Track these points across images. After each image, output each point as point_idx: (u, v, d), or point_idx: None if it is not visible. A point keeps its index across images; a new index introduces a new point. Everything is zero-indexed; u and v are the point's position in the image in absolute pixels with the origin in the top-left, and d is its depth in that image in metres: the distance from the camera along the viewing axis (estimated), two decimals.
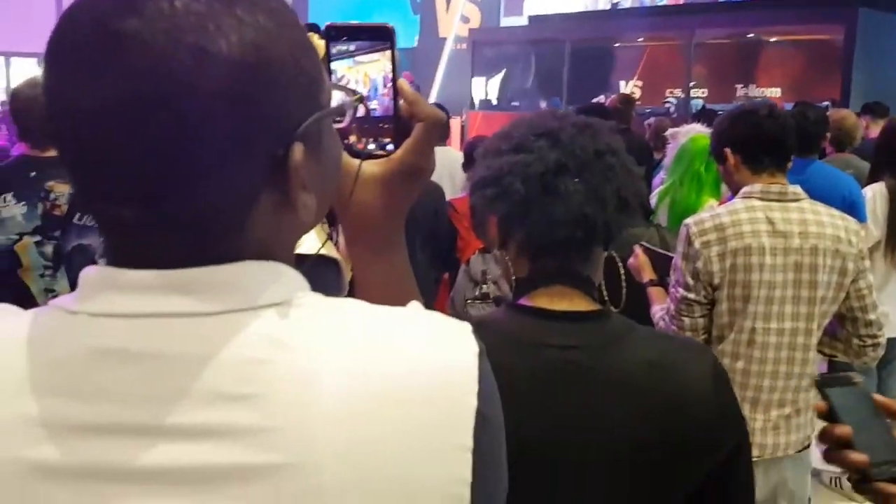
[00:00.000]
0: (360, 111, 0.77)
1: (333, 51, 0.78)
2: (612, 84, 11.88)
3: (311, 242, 0.84)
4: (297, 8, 16.81)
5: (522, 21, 12.83)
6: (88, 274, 0.55)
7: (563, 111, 1.18)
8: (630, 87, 11.75)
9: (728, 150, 2.10)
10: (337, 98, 0.73)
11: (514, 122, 1.17)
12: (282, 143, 0.54)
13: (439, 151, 4.88)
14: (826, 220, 1.98)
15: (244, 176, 0.53)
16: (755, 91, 10.22)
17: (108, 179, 0.52)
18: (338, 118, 0.72)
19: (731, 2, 10.08)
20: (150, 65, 0.49)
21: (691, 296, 1.97)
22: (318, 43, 1.39)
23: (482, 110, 12.25)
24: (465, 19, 13.87)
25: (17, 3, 16.80)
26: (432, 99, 14.27)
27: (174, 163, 0.51)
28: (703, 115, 5.40)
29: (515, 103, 12.33)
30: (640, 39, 11.49)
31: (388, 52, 0.77)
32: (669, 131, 4.38)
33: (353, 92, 0.72)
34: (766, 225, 1.94)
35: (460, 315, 2.70)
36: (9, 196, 2.54)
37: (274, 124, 0.54)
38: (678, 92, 10.27)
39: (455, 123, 12.32)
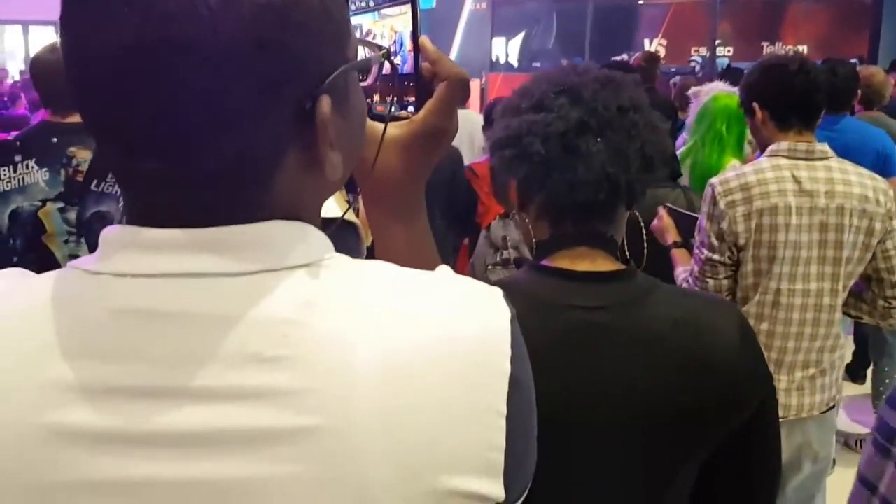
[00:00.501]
0: (386, 68, 0.75)
1: (353, 6, 0.77)
2: (637, 43, 11.66)
3: (331, 207, 0.83)
4: None
5: None
6: (110, 233, 0.54)
7: (585, 65, 1.14)
8: (654, 45, 11.53)
9: (756, 105, 2.06)
10: (362, 53, 0.71)
11: (535, 77, 1.13)
12: (309, 93, 0.53)
13: (458, 114, 4.85)
14: (854, 178, 1.94)
15: (271, 126, 0.52)
16: (782, 49, 10.00)
17: (129, 130, 0.51)
18: (362, 75, 0.71)
19: None
20: (174, 7, 0.48)
21: (716, 256, 1.94)
22: None
23: (502, 72, 12.12)
24: None
25: None
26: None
27: (199, 111, 0.49)
28: (729, 74, 5.30)
29: (536, 64, 12.17)
30: None
31: (410, 8, 0.76)
32: (692, 90, 4.31)
33: (379, 47, 0.70)
34: (792, 184, 1.91)
35: (480, 279, 2.71)
36: (31, 162, 2.55)
37: (301, 72, 0.52)
38: (703, 51, 10.09)
39: (475, 85, 12.21)
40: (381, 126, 0.71)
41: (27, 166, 2.55)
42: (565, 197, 1.04)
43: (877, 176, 2.03)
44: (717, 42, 9.88)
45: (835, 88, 2.77)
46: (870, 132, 3.06)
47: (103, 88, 0.50)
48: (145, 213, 0.53)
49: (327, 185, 0.58)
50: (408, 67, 0.76)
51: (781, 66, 2.05)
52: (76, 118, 2.57)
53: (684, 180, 3.43)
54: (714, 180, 1.99)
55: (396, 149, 0.74)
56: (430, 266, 0.67)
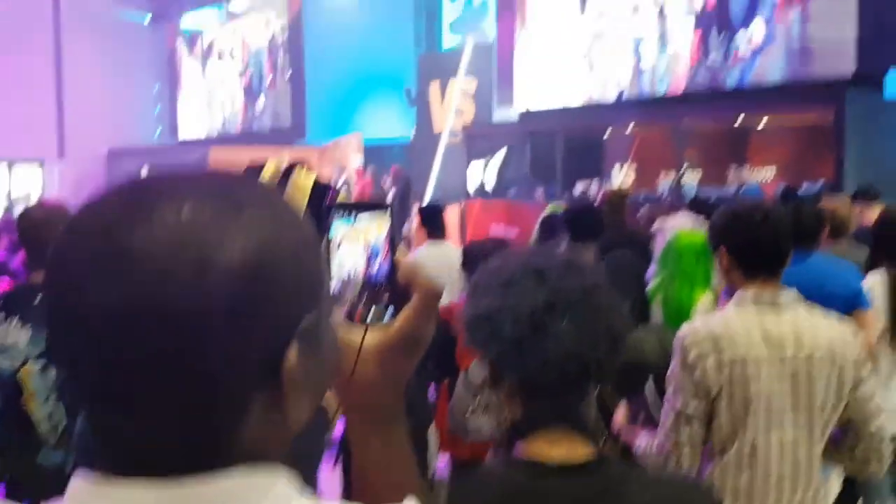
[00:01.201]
0: (361, 277, 0.79)
1: (334, 217, 0.82)
2: (606, 169, 12.11)
3: None
4: (296, 119, 17.22)
5: (514, 112, 13.18)
6: (78, 488, 0.55)
7: (551, 248, 1.21)
8: (624, 171, 11.97)
9: (723, 249, 2.11)
10: (336, 279, 0.76)
11: (504, 257, 1.20)
12: (277, 347, 0.56)
13: (435, 248, 4.88)
14: (822, 327, 1.97)
15: (239, 382, 0.55)
16: (748, 173, 10.38)
17: (104, 387, 0.54)
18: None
19: (718, 91, 10.32)
20: (154, 280, 0.51)
21: (689, 410, 1.93)
22: (305, 183, 1.43)
23: (479, 198, 12.44)
24: (459, 112, 14.23)
25: (18, 109, 17.25)
26: (430, 189, 14.51)
27: (171, 373, 0.52)
28: (695, 204, 5.48)
29: (511, 191, 12.53)
30: (629, 128, 11.78)
31: (386, 223, 0.81)
32: (655, 224, 4.45)
33: (353, 284, 0.75)
34: (760, 334, 1.95)
35: (459, 426, 2.67)
36: (15, 319, 2.57)
37: (271, 331, 0.55)
38: (672, 175, 10.44)
39: (454, 211, 12.51)
40: (357, 334, 0.75)
41: (10, 323, 2.57)
42: (537, 375, 1.09)
43: (845, 323, 2.08)
44: (685, 167, 10.24)
45: (801, 228, 2.87)
46: (839, 268, 3.15)
47: (82, 347, 0.54)
48: (114, 460, 0.55)
49: (294, 425, 0.60)
50: (382, 275, 0.81)
51: (746, 216, 2.09)
52: None
53: (657, 316, 3.49)
54: (683, 331, 2.02)
55: (374, 357, 0.77)
56: (407, 474, 0.69)
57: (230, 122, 19.08)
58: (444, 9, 18.82)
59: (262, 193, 0.59)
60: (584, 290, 1.11)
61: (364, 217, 0.81)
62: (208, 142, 18.40)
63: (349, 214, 0.81)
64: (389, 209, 0.80)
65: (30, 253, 2.68)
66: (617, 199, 5.08)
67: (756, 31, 9.88)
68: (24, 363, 2.52)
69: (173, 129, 20.77)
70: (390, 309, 0.79)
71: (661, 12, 10.91)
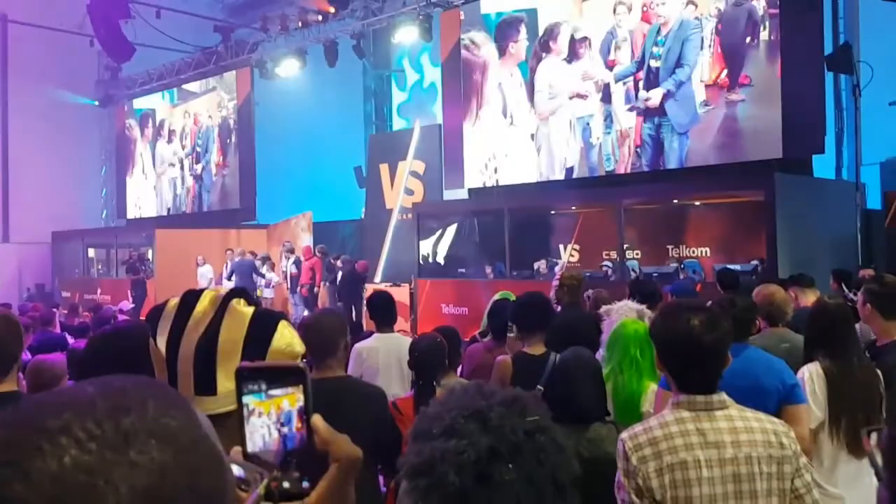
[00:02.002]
0: (275, 441, 0.77)
1: (245, 389, 0.81)
2: (553, 248, 12.35)
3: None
4: (245, 201, 17.19)
5: (463, 192, 13.42)
6: None
7: (491, 388, 1.21)
8: (569, 250, 12.22)
9: (660, 359, 2.17)
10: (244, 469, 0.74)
11: (443, 400, 1.17)
12: None
13: (385, 339, 4.85)
14: (755, 425, 2.03)
15: None
16: (686, 251, 10.70)
17: None
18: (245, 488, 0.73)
19: (654, 171, 10.73)
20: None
21: None
22: (244, 311, 1.41)
23: (430, 277, 12.51)
24: (410, 192, 14.42)
25: None
26: (381, 267, 14.55)
27: None
28: (638, 288, 5.61)
29: (461, 270, 12.64)
30: (573, 207, 12.08)
31: (302, 388, 0.80)
32: (603, 308, 4.54)
33: (261, 474, 0.74)
34: (697, 437, 2.00)
35: None
36: None
37: None
38: (614, 254, 10.68)
39: (404, 291, 12.53)
40: None
41: None
42: None
43: (774, 419, 2.14)
44: (626, 246, 10.50)
45: (736, 322, 2.94)
46: (771, 364, 3.20)
47: None
48: None
49: None
50: (298, 442, 0.79)
51: (680, 335, 2.07)
52: (0, 388, 2.54)
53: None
54: (624, 435, 2.06)
55: None
56: None
57: (178, 203, 18.97)
58: (393, 92, 19.30)
59: (155, 414, 0.55)
60: (527, 432, 1.08)
61: (277, 383, 0.80)
62: (156, 222, 18.21)
63: (260, 386, 0.79)
64: (305, 378, 0.79)
65: None
66: (572, 283, 5.17)
67: (686, 116, 10.35)
68: None
69: (121, 210, 20.56)
70: (305, 481, 0.76)
71: (607, 97, 11.38)
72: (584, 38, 11.61)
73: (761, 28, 9.74)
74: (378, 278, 14.06)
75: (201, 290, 1.37)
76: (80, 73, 19.23)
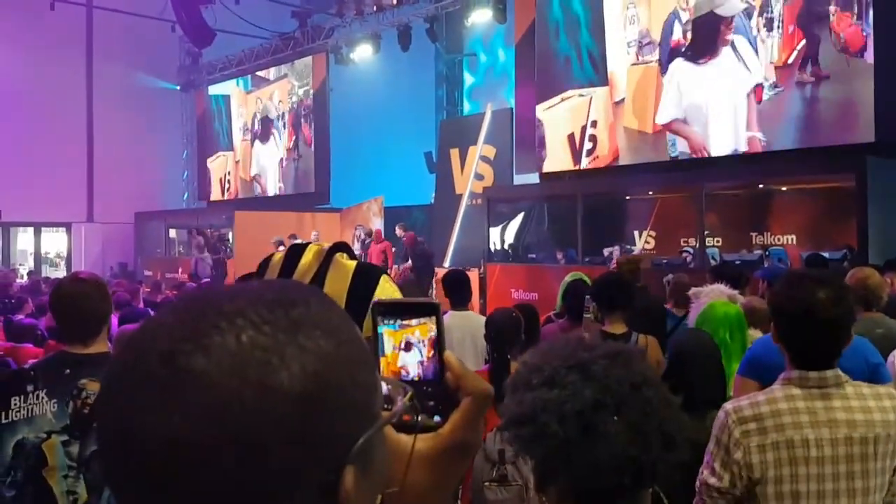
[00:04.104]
0: (412, 375, 0.77)
1: (379, 321, 0.80)
2: (627, 234, 12.09)
3: None
4: (320, 185, 17.46)
5: (534, 178, 13.28)
6: None
7: (593, 341, 1.16)
8: (644, 237, 11.95)
9: (778, 331, 2.02)
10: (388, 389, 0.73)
11: (543, 351, 1.14)
12: (335, 469, 0.55)
13: (459, 317, 4.84)
14: (872, 404, 1.92)
15: (297, 502, 0.54)
16: (770, 238, 10.31)
17: None
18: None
19: (737, 155, 10.34)
20: (216, 404, 0.51)
21: (720, 484, 1.89)
22: (348, 264, 1.42)
23: (500, 262, 12.44)
24: (480, 177, 14.36)
25: (48, 175, 17.65)
26: (450, 252, 14.55)
27: (230, 498, 0.51)
28: (723, 271, 5.43)
29: (532, 255, 12.53)
30: (650, 193, 11.79)
31: (434, 323, 0.79)
32: (692, 291, 4.42)
33: (404, 389, 0.73)
34: (807, 416, 1.89)
35: (478, 497, 2.59)
36: (42, 393, 2.55)
37: (329, 452, 0.55)
38: (693, 241, 10.39)
39: (473, 276, 12.48)
40: (407, 441, 0.72)
41: (37, 397, 2.55)
42: (589, 481, 1.02)
43: (893, 392, 2.01)
44: (706, 233, 10.19)
45: None
46: (856, 342, 3.06)
47: (140, 473, 0.52)
48: None
49: None
50: (431, 373, 0.78)
51: (806, 306, 1.94)
52: (91, 349, 2.61)
53: None
54: (728, 406, 1.97)
55: (423, 463, 0.75)
56: None
57: (256, 186, 19.38)
58: (465, 77, 19.25)
59: (318, 309, 0.59)
60: (633, 385, 1.05)
61: (410, 317, 0.79)
62: (234, 205, 18.66)
63: (394, 317, 0.79)
64: (437, 313, 0.79)
65: (63, 325, 2.68)
66: (629, 267, 5.05)
67: (774, 95, 9.95)
68: (49, 436, 2.50)
69: (201, 192, 21.13)
70: (439, 415, 0.76)
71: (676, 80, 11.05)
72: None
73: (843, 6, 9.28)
74: (447, 263, 14.06)
75: (306, 244, 1.38)
76: (162, 58, 19.79)
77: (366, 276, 1.32)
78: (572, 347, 1.12)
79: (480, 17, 13.98)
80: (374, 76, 16.94)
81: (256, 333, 0.54)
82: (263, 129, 19.11)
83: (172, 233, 19.60)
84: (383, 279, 1.33)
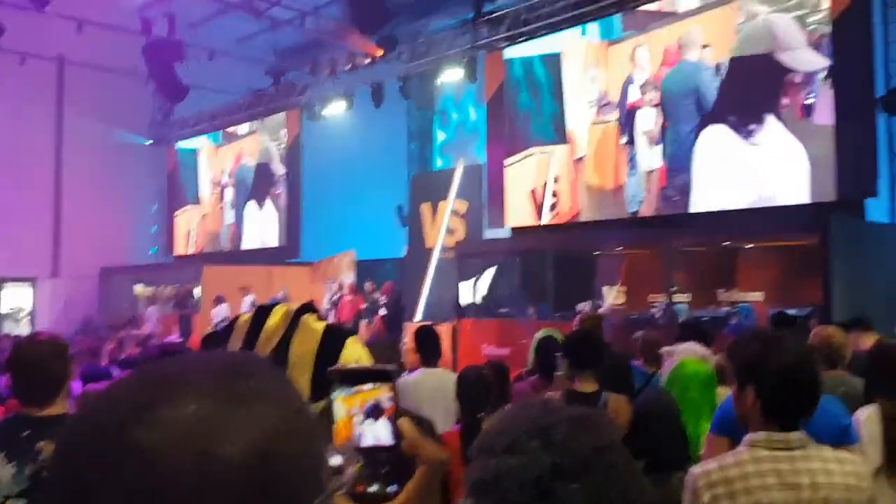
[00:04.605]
0: (364, 443, 0.77)
1: (335, 389, 0.80)
2: (597, 289, 12.18)
3: None
4: (291, 239, 17.45)
5: (505, 233, 13.38)
6: None
7: (558, 403, 1.16)
8: (614, 292, 12.03)
9: (751, 391, 2.00)
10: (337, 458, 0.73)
11: (508, 416, 1.12)
12: None
13: (430, 374, 4.81)
14: (833, 467, 1.94)
15: None
16: (737, 295, 10.45)
17: None
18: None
19: (704, 213, 10.57)
20: (162, 477, 0.52)
21: None
22: (316, 326, 1.42)
23: (471, 317, 12.42)
24: (451, 231, 14.44)
25: (14, 228, 17.38)
26: (421, 306, 14.51)
27: None
28: (693, 329, 5.48)
29: (503, 310, 12.53)
30: (618, 248, 11.94)
31: (389, 389, 0.79)
32: (665, 349, 4.45)
33: (356, 458, 0.73)
34: (774, 478, 1.90)
35: None
36: (1, 455, 2.48)
37: None
38: (661, 297, 10.49)
39: (445, 330, 12.45)
40: None
41: None
42: None
43: (855, 459, 2.04)
44: (674, 289, 10.30)
45: None
46: (826, 402, 3.07)
47: None
48: None
49: None
50: (385, 440, 0.78)
51: (780, 360, 1.95)
52: (50, 410, 2.54)
53: None
54: (696, 470, 1.98)
55: None
56: None
57: (225, 241, 19.27)
58: (436, 133, 19.51)
59: (266, 381, 0.60)
60: (596, 450, 1.03)
61: (364, 383, 0.80)
62: (202, 259, 18.49)
63: (348, 384, 0.80)
64: (392, 380, 0.80)
65: (21, 387, 2.62)
66: (592, 324, 5.08)
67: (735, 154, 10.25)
68: (5, 500, 2.42)
69: (168, 247, 20.93)
70: (393, 484, 0.77)
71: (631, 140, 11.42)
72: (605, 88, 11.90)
73: (804, 69, 9.68)
74: (418, 317, 14.01)
75: (273, 305, 1.38)
76: (134, 113, 19.79)
77: (334, 338, 1.33)
78: (536, 412, 1.10)
79: (451, 77, 14.25)
80: (347, 131, 17.08)
81: (203, 405, 0.55)
82: (232, 184, 19.10)
83: (138, 288, 19.35)
84: (350, 341, 1.34)
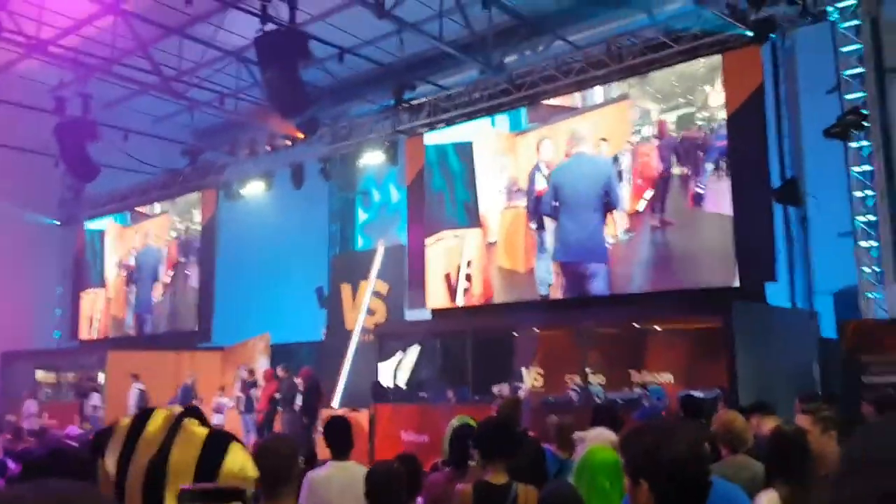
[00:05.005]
0: None
1: None
2: (515, 370, 12.23)
3: None
4: (203, 323, 16.96)
5: (426, 314, 13.38)
6: None
7: None
8: (532, 373, 12.11)
9: (645, 484, 2.05)
10: None
11: None
12: None
13: (340, 468, 4.68)
14: None
15: None
16: (648, 377, 10.67)
17: None
18: None
19: (615, 295, 10.88)
20: None
21: None
22: (198, 431, 1.37)
23: (390, 402, 12.23)
24: (371, 312, 14.35)
25: None
26: (339, 391, 14.19)
27: None
28: (605, 412, 5.54)
29: (423, 394, 12.40)
30: (535, 329, 12.10)
31: None
32: (576, 435, 4.47)
33: None
34: None
35: None
36: None
37: None
38: (577, 378, 10.61)
39: (364, 417, 12.19)
40: None
41: None
42: None
43: None
44: (589, 371, 10.44)
45: None
46: (727, 489, 3.15)
47: None
48: None
49: None
50: None
51: (676, 460, 1.97)
52: None
53: None
54: None
55: None
56: None
57: (130, 325, 18.57)
58: (358, 213, 19.58)
59: None
60: None
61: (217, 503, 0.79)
62: (109, 343, 17.74)
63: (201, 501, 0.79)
64: (243, 498, 0.79)
65: None
66: (510, 406, 5.09)
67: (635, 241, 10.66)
68: None
69: (73, 330, 20.03)
70: None
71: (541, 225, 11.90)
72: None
73: (690, 159, 10.31)
74: (336, 402, 13.72)
75: (153, 409, 1.34)
76: (43, 192, 19.20)
77: (216, 445, 1.30)
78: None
79: (372, 160, 14.45)
80: (265, 211, 16.94)
81: None
82: (140, 265, 18.58)
83: (39, 374, 18.36)
84: (234, 447, 1.31)
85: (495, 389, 11.06)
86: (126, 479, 1.27)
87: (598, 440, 3.97)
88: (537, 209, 12.09)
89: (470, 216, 12.95)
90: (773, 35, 9.95)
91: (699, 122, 10.48)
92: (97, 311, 19.54)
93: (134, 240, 18.80)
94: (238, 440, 1.42)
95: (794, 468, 3.26)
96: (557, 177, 11.87)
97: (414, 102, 13.59)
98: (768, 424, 5.23)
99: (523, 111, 12.47)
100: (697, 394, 7.13)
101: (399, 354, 13.36)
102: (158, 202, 18.27)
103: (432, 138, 13.66)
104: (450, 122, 13.34)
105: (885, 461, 0.75)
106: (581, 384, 10.32)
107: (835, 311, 11.04)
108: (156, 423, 1.33)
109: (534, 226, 12.14)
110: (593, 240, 11.20)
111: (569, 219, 11.62)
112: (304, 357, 15.89)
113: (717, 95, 10.31)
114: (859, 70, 9.27)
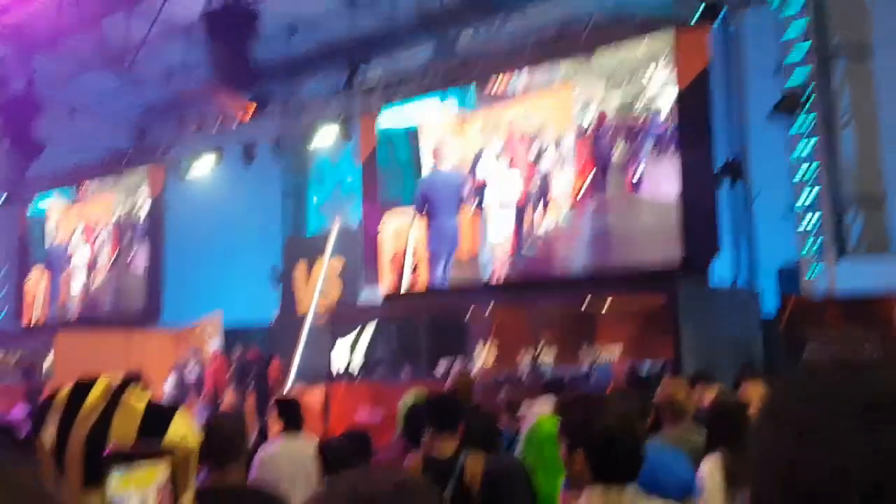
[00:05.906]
0: None
1: (111, 470, 0.80)
2: (469, 349, 12.36)
3: None
4: (152, 303, 16.68)
5: (381, 292, 13.40)
6: None
7: (382, 471, 1.17)
8: (486, 350, 12.25)
9: (580, 453, 2.10)
10: None
11: (330, 484, 1.11)
12: None
13: (289, 446, 4.71)
14: None
15: None
16: (597, 351, 10.91)
17: None
18: None
19: (568, 277, 11.11)
20: None
21: None
22: (137, 404, 1.38)
23: (344, 380, 12.26)
24: (325, 293, 14.30)
25: None
26: (293, 372, 14.14)
27: None
28: (549, 385, 5.66)
29: (377, 371, 12.44)
30: (486, 312, 12.26)
31: (164, 471, 0.80)
32: (521, 411, 4.56)
33: None
34: None
35: None
36: None
37: None
38: (530, 354, 10.80)
39: (319, 394, 12.17)
40: None
41: None
42: None
43: None
44: (541, 347, 10.62)
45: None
46: (670, 457, 3.26)
47: None
48: None
49: None
50: None
51: (608, 429, 2.06)
52: None
53: None
54: None
55: None
56: None
57: (80, 305, 18.17)
58: (311, 192, 19.37)
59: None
60: None
61: (142, 465, 0.80)
62: (56, 325, 17.35)
63: (126, 463, 0.80)
64: (168, 456, 0.80)
65: None
66: (464, 384, 5.17)
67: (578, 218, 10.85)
68: None
69: (17, 312, 19.53)
70: None
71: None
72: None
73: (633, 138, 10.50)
74: (290, 380, 13.68)
75: (94, 380, 1.33)
76: None
77: (158, 416, 1.29)
78: (355, 481, 1.11)
79: (326, 137, 14.33)
80: (216, 190, 16.66)
81: None
82: (85, 244, 18.15)
83: None
84: (178, 416, 1.31)
85: (443, 364, 11.15)
86: (65, 452, 1.27)
87: (542, 410, 4.05)
88: (480, 193, 12.22)
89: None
90: (718, 19, 10.15)
91: (640, 106, 10.64)
92: (41, 291, 19.07)
93: (79, 219, 18.35)
94: (182, 411, 1.43)
95: (735, 436, 3.37)
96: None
97: (367, 80, 13.50)
98: (710, 394, 5.41)
99: (472, 90, 12.49)
100: (643, 366, 7.34)
101: (353, 335, 13.36)
102: (104, 179, 17.83)
103: (383, 120, 13.60)
104: (402, 100, 13.28)
105: (796, 404, 0.82)
106: (531, 361, 10.49)
107: (779, 287, 11.39)
108: (95, 394, 1.33)
109: (475, 209, 12.23)
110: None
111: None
112: (255, 337, 15.78)
113: (659, 77, 10.47)
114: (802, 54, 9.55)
